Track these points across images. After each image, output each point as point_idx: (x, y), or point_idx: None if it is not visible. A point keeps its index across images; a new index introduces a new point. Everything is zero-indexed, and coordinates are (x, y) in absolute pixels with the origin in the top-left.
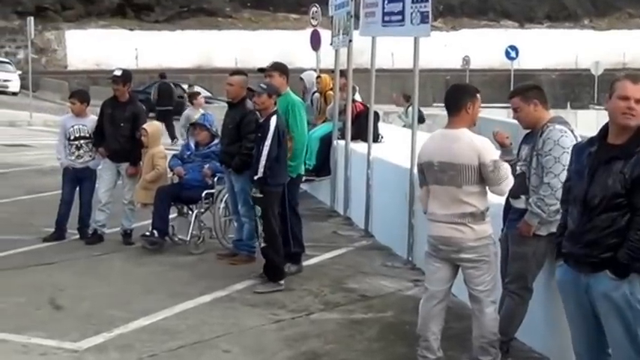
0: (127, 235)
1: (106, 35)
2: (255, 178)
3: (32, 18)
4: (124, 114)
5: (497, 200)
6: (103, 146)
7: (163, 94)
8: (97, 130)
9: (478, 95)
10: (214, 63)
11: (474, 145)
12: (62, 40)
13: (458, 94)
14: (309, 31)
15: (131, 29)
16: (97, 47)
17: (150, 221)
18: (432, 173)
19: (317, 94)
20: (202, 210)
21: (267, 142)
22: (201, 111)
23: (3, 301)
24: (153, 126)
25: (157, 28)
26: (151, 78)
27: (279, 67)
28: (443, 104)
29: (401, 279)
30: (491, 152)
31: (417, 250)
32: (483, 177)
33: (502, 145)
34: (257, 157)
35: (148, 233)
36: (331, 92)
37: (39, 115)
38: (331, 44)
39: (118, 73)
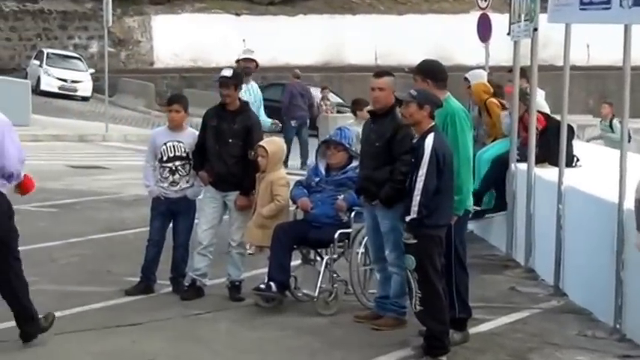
0: (235, 288)
1: (204, 22)
2: (408, 219)
3: (110, 0)
4: (234, 127)
5: None
6: (205, 169)
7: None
8: (198, 148)
9: None
10: (346, 58)
11: None
12: (148, 28)
13: None
14: (475, 15)
15: (237, 14)
16: (192, 38)
17: (265, 270)
18: None
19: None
20: (335, 256)
21: (422, 171)
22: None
23: None
24: (274, 143)
25: (271, 13)
26: (264, 79)
27: (422, 69)
28: None
29: (605, 354)
30: None
31: (628, 313)
32: None
33: None
34: (409, 190)
35: (263, 286)
36: (493, 100)
37: (117, 127)
38: (508, 34)
39: (229, 73)
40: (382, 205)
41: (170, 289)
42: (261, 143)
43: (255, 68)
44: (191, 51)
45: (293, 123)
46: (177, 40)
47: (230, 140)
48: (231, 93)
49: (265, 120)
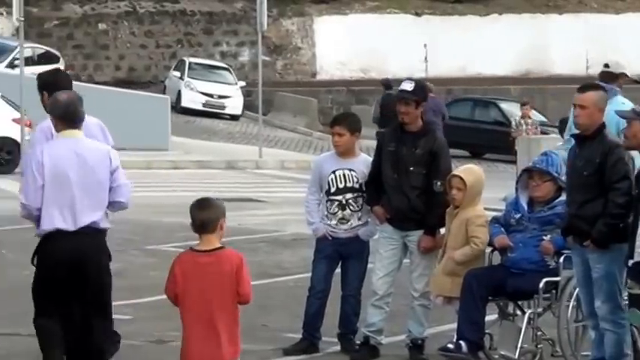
0: (416, 347)
1: (377, 24)
2: (630, 263)
3: None
4: (416, 152)
5: None
6: (380, 204)
7: (388, 111)
8: (372, 177)
9: None
10: (551, 67)
11: None
12: (309, 32)
13: None
14: None
15: (417, 14)
16: (363, 43)
17: (454, 326)
18: None
19: None
20: (540, 310)
21: None
22: None
23: None
24: (472, 173)
25: (458, 12)
26: (449, 92)
27: None
28: None
29: None
30: None
31: None
32: None
33: None
34: (634, 226)
35: (451, 346)
36: None
37: (272, 151)
38: None
39: (409, 86)
40: (595, 246)
41: (338, 347)
42: (456, 172)
43: None
44: (361, 59)
45: None
46: (344, 46)
47: (411, 168)
48: (410, 111)
49: None
